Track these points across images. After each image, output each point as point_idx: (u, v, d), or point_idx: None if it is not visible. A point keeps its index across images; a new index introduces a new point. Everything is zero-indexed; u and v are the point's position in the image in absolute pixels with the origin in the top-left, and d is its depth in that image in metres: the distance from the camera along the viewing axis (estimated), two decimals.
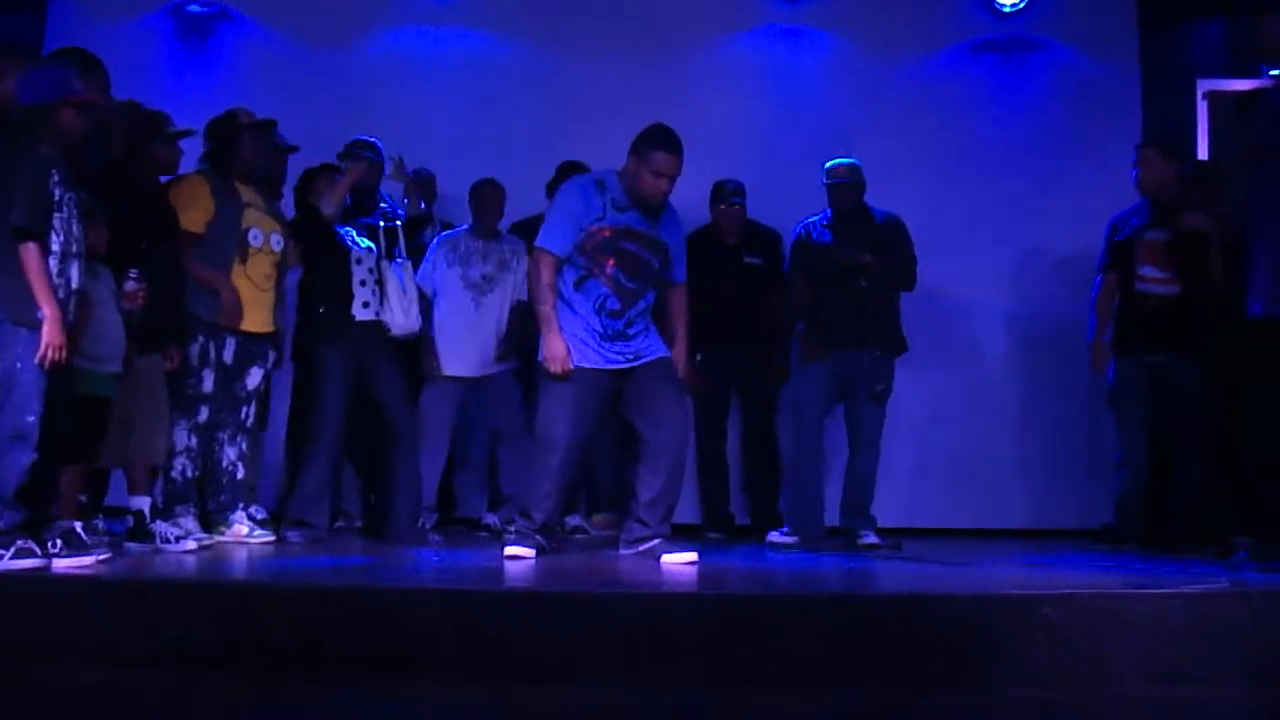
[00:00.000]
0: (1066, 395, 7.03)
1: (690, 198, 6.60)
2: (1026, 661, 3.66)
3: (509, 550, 5.04)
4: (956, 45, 7.50)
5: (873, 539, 5.94)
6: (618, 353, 5.13)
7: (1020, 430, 7.27)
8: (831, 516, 6.17)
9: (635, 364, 5.14)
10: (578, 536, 6.40)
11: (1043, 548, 5.96)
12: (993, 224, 7.23)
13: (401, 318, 5.91)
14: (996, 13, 7.41)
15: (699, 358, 6.70)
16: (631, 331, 5.15)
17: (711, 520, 6.79)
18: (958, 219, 7.11)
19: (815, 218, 6.24)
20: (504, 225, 6.65)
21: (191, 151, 5.54)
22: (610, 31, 7.38)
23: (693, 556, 5.02)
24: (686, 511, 6.85)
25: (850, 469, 6.11)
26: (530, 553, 5.04)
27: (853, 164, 6.18)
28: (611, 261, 5.08)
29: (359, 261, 5.91)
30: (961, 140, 7.32)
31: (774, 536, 6.05)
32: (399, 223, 6.11)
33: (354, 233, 5.95)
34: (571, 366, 5.03)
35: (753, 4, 7.54)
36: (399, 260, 6.01)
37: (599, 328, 5.10)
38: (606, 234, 5.08)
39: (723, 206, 6.69)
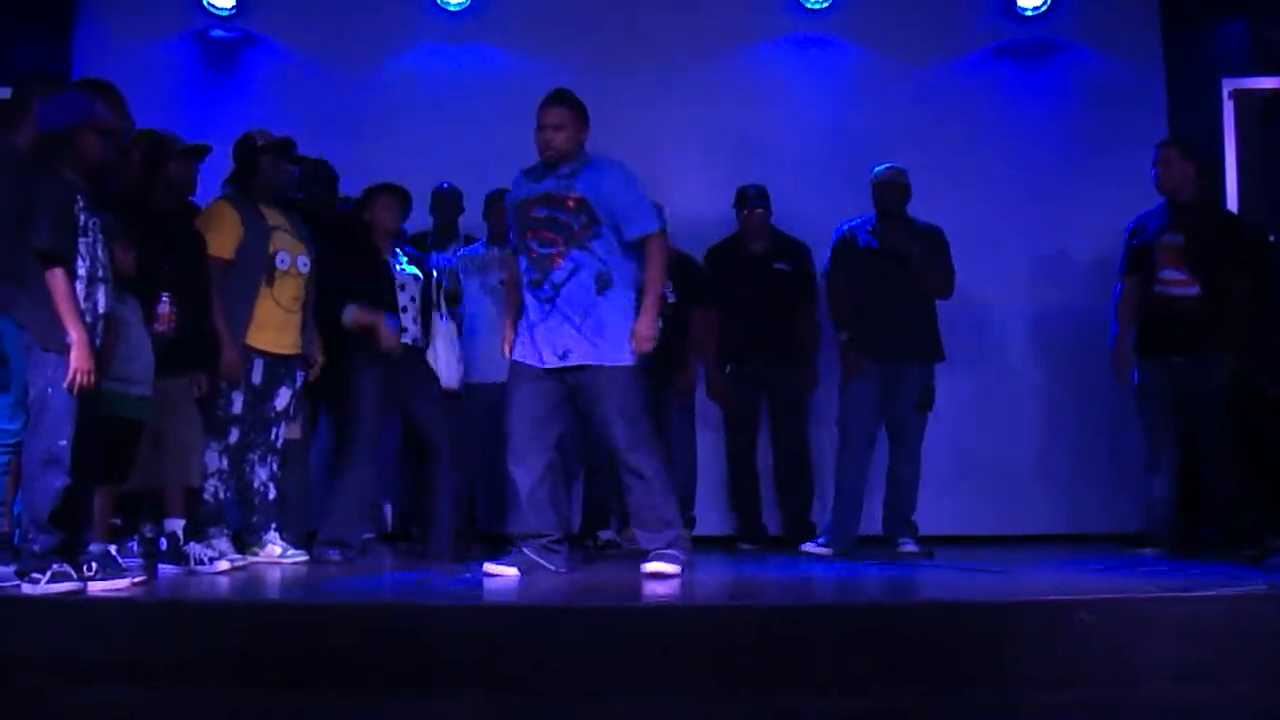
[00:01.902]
0: (1094, 398, 6.98)
1: (716, 208, 6.64)
2: (1063, 665, 3.64)
3: (485, 567, 4.90)
4: (979, 50, 7.47)
5: (911, 547, 5.96)
6: (547, 345, 4.92)
7: (1047, 435, 7.23)
8: (868, 525, 6.15)
9: (563, 365, 4.91)
10: (611, 551, 6.39)
11: (1075, 552, 5.92)
12: (1018, 228, 7.21)
13: (445, 369, 5.94)
14: (1019, 17, 7.37)
15: (728, 368, 6.70)
16: (560, 302, 4.89)
17: (745, 532, 6.76)
18: (983, 223, 7.07)
19: (857, 220, 6.24)
20: None
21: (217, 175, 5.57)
22: (631, 43, 7.36)
23: (673, 570, 4.77)
24: (719, 523, 6.87)
25: (891, 478, 6.12)
26: (511, 571, 4.84)
27: (900, 168, 6.20)
28: (529, 233, 4.99)
29: (403, 287, 5.86)
30: (985, 145, 7.29)
31: (809, 547, 6.01)
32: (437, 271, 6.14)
33: (403, 259, 5.94)
34: (509, 357, 5.06)
35: (776, 14, 7.52)
36: (446, 315, 6.05)
37: (530, 313, 4.99)
38: (521, 207, 5.03)
39: (745, 212, 6.69)
